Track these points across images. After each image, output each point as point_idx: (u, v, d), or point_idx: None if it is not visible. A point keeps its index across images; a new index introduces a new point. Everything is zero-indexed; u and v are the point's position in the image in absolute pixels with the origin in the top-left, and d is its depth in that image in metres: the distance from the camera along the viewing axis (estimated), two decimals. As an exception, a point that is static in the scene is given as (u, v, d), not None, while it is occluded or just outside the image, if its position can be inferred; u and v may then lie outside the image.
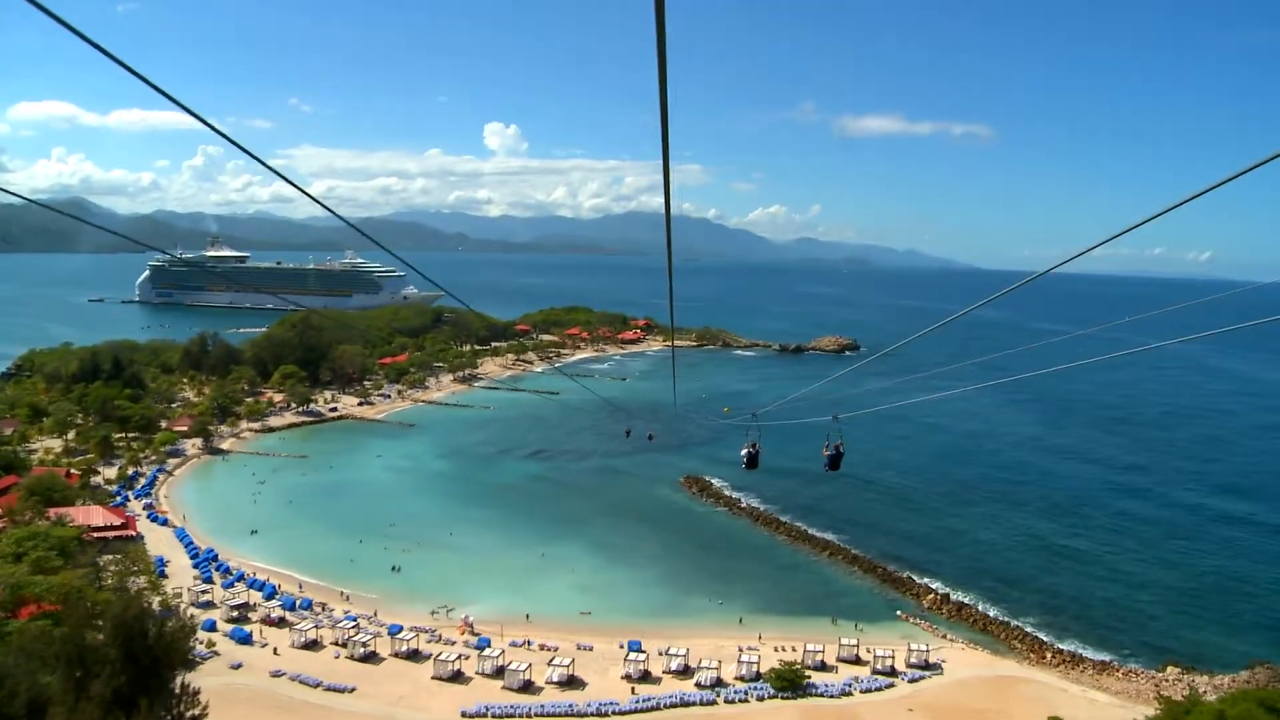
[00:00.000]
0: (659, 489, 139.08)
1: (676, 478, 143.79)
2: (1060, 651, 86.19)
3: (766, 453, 49.50)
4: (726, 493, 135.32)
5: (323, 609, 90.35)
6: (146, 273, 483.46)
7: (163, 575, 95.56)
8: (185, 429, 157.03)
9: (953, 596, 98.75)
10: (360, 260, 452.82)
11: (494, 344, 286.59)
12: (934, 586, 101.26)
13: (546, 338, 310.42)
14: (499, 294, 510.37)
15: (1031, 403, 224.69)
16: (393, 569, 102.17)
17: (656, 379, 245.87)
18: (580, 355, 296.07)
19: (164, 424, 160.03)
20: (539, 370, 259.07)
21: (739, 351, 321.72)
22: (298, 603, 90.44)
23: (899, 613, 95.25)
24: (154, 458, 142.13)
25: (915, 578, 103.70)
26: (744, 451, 45.30)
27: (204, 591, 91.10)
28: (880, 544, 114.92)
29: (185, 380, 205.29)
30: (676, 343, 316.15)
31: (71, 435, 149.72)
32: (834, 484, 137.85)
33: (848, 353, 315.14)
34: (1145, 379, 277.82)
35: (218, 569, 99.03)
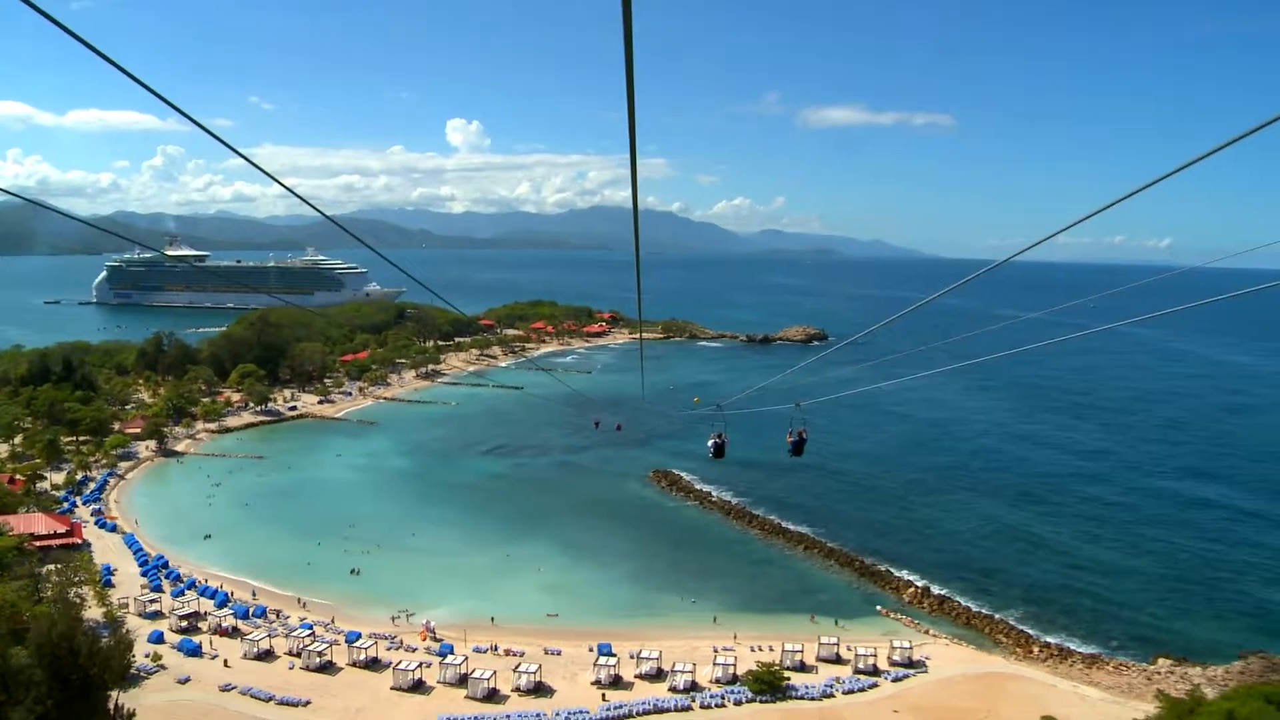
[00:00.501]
0: (627, 484, 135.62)
1: (645, 472, 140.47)
2: (1047, 645, 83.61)
3: (735, 443, 49.26)
4: (697, 486, 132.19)
5: (277, 616, 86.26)
6: (103, 273, 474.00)
7: (109, 585, 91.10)
8: (138, 431, 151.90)
9: (933, 590, 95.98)
10: (322, 257, 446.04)
11: (457, 339, 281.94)
12: (913, 580, 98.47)
13: (511, 332, 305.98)
14: (463, 289, 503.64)
15: (998, 388, 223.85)
16: (352, 572, 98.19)
17: (622, 371, 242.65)
18: (545, 349, 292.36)
19: (116, 426, 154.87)
20: (503, 365, 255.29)
21: (706, 343, 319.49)
22: (251, 611, 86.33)
23: (879, 608, 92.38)
24: (104, 461, 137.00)
25: (894, 571, 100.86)
26: (711, 442, 46.20)
27: (152, 601, 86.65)
28: (856, 536, 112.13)
29: (140, 381, 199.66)
30: (644, 335, 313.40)
31: (18, 440, 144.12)
32: (806, 475, 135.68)
33: (815, 342, 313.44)
34: (1108, 364, 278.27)
35: (168, 576, 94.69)
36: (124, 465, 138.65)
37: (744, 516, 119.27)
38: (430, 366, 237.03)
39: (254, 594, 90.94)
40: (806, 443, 42.52)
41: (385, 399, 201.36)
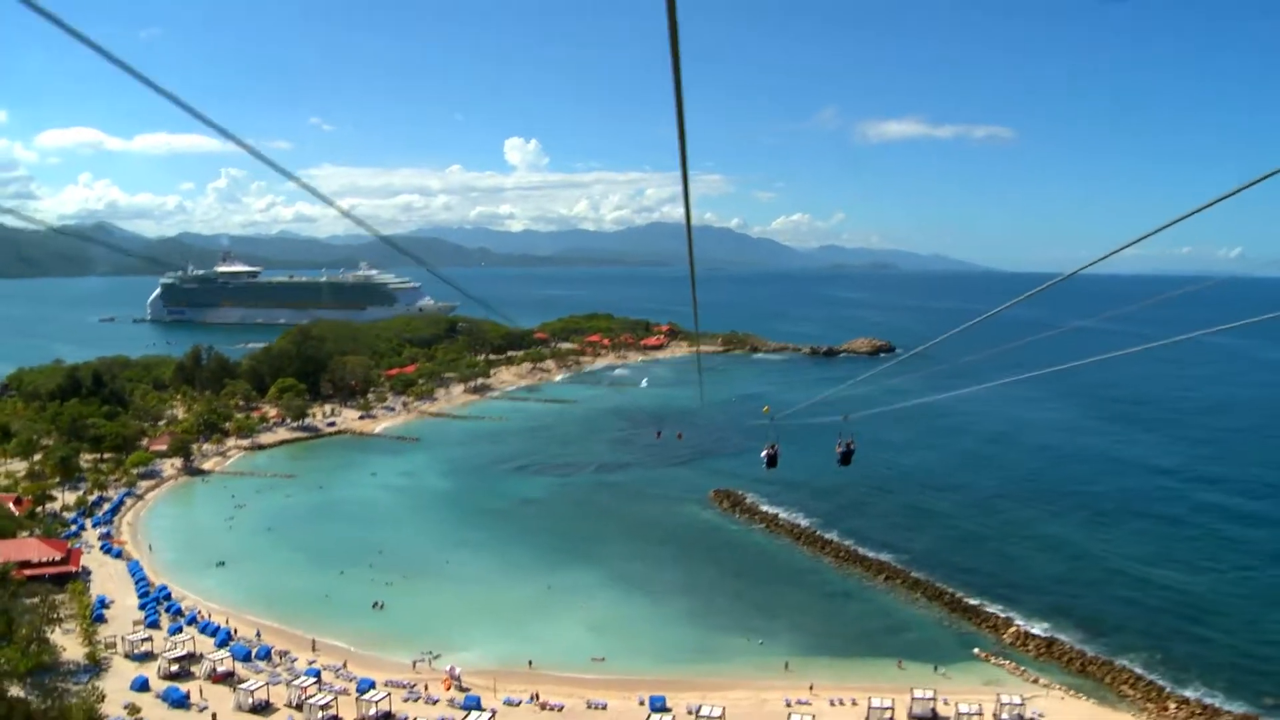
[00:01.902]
0: (685, 506, 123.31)
1: (705, 492, 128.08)
2: (1185, 701, 69.69)
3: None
4: (762, 507, 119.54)
5: (282, 659, 75.29)
6: (157, 291, 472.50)
7: (100, 619, 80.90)
8: (163, 448, 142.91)
9: (1039, 629, 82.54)
10: (374, 272, 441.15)
11: (510, 354, 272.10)
12: (1013, 617, 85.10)
13: (565, 346, 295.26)
14: (520, 305, 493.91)
15: (1073, 400, 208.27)
16: (374, 606, 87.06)
17: (680, 385, 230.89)
18: (601, 362, 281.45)
19: (145, 443, 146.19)
20: (556, 379, 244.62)
21: (767, 355, 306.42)
22: (253, 652, 75.46)
23: (977, 650, 79.23)
24: (123, 481, 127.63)
25: (989, 606, 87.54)
26: (764, 453, 47.04)
27: (145, 639, 76.11)
28: (941, 564, 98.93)
29: (177, 397, 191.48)
30: (702, 348, 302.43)
31: (38, 457, 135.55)
32: (879, 494, 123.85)
33: (882, 354, 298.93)
34: (1191, 375, 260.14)
35: (168, 610, 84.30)
36: (144, 484, 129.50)
37: (816, 542, 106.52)
38: (479, 380, 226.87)
39: (257, 634, 79.81)
40: (854, 453, 43.34)
41: (430, 414, 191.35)
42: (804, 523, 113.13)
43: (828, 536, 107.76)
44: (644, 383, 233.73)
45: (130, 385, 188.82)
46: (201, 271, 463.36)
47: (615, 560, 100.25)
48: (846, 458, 42.81)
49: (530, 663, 75.32)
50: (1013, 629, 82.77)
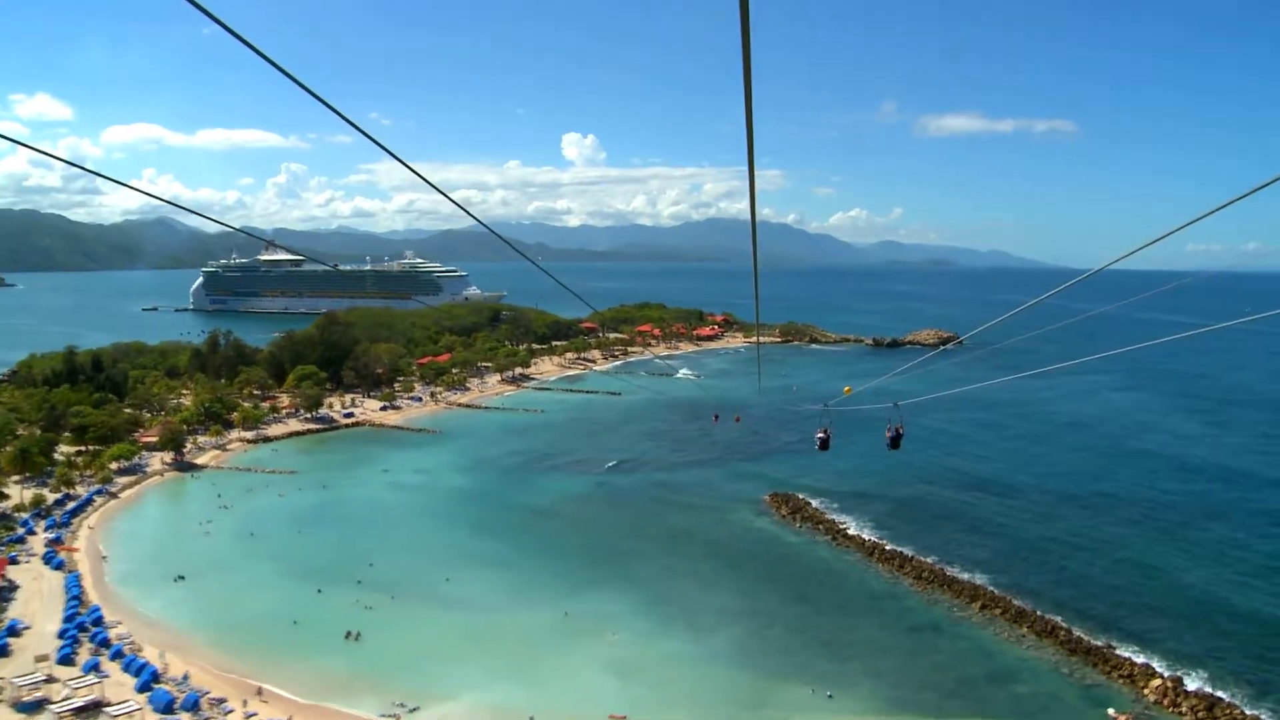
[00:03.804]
0: (738, 511, 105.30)
1: (761, 495, 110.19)
2: None
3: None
4: (828, 515, 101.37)
5: (215, 709, 58.69)
6: (200, 280, 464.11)
7: (1, 652, 65.08)
8: (154, 440, 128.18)
9: (1193, 681, 63.77)
10: (419, 260, 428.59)
11: (554, 343, 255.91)
12: (1154, 665, 66.29)
13: (614, 335, 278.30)
14: (573, 296, 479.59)
15: (1169, 392, 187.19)
16: (347, 636, 70.32)
17: (736, 377, 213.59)
18: (651, 353, 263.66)
19: (138, 435, 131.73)
20: (602, 369, 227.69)
21: (827, 347, 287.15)
22: (177, 702, 58.90)
23: (1112, 712, 60.65)
24: (96, 476, 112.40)
25: (1120, 647, 68.86)
26: (818, 435, 47.48)
27: (42, 682, 60.08)
28: (1050, 589, 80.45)
29: (190, 384, 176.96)
30: (761, 339, 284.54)
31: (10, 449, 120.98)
32: (963, 498, 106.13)
33: (949, 345, 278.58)
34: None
35: (92, 639, 68.03)
36: (123, 481, 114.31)
37: (892, 559, 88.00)
38: (518, 370, 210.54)
39: (185, 675, 63.03)
40: (903, 437, 43.55)
41: (461, 405, 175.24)
42: (877, 535, 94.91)
43: (906, 552, 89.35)
44: (681, 372, 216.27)
45: (141, 372, 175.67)
46: (244, 260, 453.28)
47: (650, 579, 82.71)
48: (896, 442, 43.52)
49: (532, 719, 58.20)
50: (1157, 681, 63.86)
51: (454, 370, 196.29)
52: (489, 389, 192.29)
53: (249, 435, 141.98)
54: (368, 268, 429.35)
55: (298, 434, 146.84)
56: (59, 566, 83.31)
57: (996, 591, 79.04)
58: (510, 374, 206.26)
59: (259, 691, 60.96)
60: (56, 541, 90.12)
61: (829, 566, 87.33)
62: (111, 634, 68.71)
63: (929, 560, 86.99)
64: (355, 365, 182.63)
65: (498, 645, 69.14)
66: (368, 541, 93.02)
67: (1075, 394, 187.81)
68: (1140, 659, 67.03)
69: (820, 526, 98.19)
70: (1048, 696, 62.93)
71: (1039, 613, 74.49)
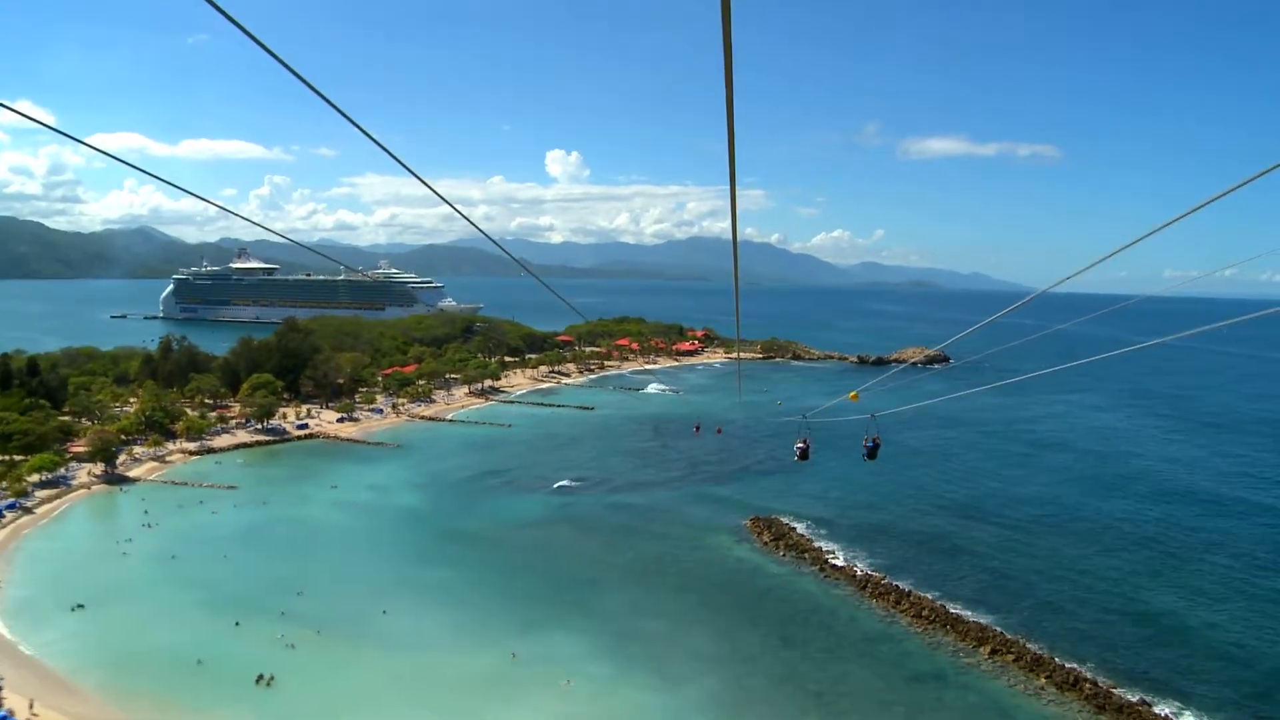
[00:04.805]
0: (715, 537, 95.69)
1: (740, 519, 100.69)
2: None
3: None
4: (814, 543, 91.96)
5: (81, 776, 48.86)
6: (170, 288, 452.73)
7: None
8: (83, 450, 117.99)
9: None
10: (394, 271, 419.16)
11: (528, 356, 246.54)
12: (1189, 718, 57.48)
13: (590, 349, 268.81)
14: (553, 311, 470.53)
15: (1175, 418, 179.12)
16: (258, 680, 60.40)
17: (715, 392, 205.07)
18: (629, 367, 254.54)
19: (70, 444, 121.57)
20: (575, 383, 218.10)
21: (810, 364, 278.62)
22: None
23: (1151, 783, 51.57)
24: (10, 490, 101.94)
25: (1157, 703, 59.73)
26: (797, 446, 47.72)
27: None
28: (1069, 631, 71.30)
29: (139, 391, 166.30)
30: (741, 355, 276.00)
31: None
32: (963, 525, 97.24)
33: (936, 365, 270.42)
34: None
35: (-51, 684, 58.09)
36: (42, 495, 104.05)
37: (887, 594, 78.57)
38: (488, 383, 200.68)
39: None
40: (880, 448, 43.41)
41: (424, 418, 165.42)
42: (868, 566, 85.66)
43: (902, 586, 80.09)
44: (651, 387, 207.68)
45: (88, 379, 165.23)
46: (215, 268, 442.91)
47: (614, 615, 73.05)
48: (873, 453, 43.14)
49: (465, 789, 48.55)
50: (1199, 744, 54.93)
51: (420, 382, 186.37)
52: (455, 402, 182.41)
53: (192, 447, 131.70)
54: (341, 277, 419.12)
55: (245, 446, 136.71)
56: (-63, 593, 73.18)
57: (1007, 634, 69.76)
58: (479, 386, 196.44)
59: (139, 751, 51.07)
60: (-55, 563, 79.91)
61: (817, 602, 77.68)
62: (-25, 677, 58.57)
63: (928, 596, 77.80)
64: (314, 374, 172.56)
65: (432, 693, 59.41)
66: (301, 566, 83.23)
67: (1066, 414, 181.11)
68: (1177, 716, 57.94)
69: (806, 555, 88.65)
70: (1073, 762, 53.73)
71: (1057, 660, 65.36)
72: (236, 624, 69.31)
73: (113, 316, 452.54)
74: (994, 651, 67.16)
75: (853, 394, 43.29)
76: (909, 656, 67.17)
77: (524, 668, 62.95)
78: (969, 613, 74.17)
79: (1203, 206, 13.17)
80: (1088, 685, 61.52)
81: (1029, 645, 67.61)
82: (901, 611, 75.07)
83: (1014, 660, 65.71)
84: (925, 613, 74.23)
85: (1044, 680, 62.72)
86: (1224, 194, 12.51)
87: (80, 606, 72.62)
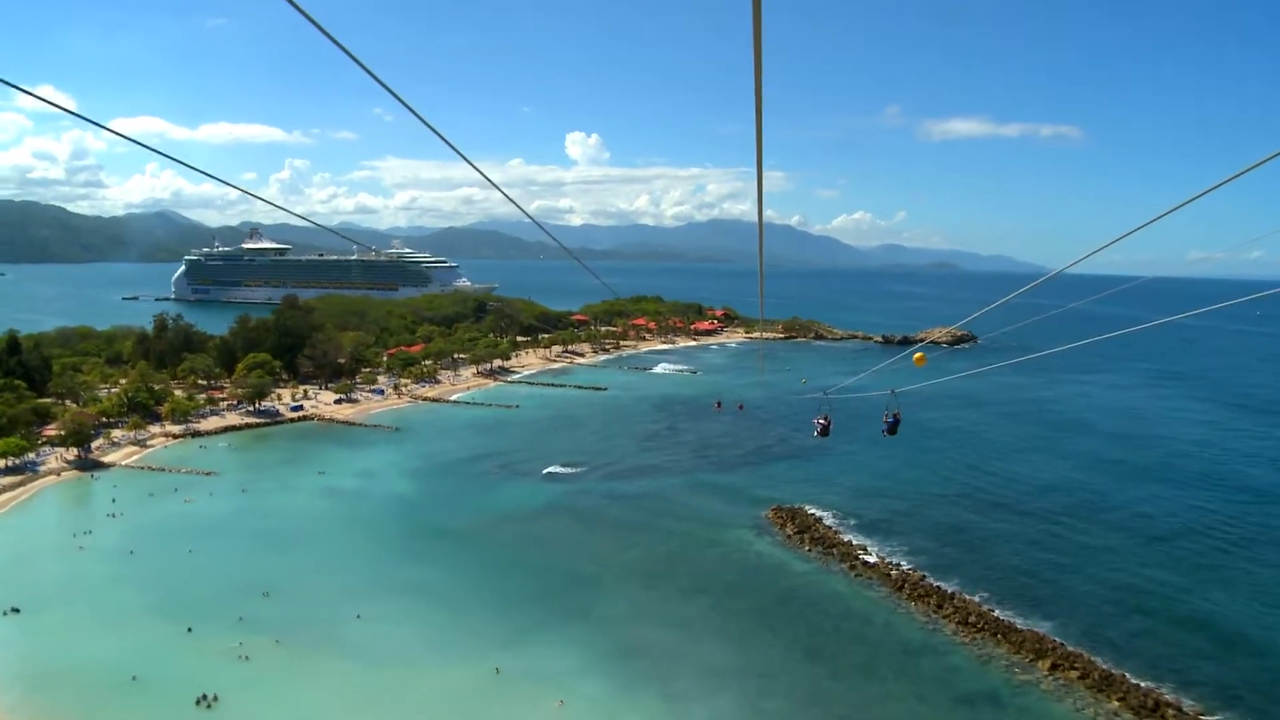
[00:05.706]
0: (732, 530, 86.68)
1: (761, 509, 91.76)
2: None
3: None
4: (842, 536, 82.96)
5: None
6: (182, 269, 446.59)
7: None
8: (55, 433, 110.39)
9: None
10: (407, 250, 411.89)
11: (541, 335, 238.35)
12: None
13: (605, 329, 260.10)
14: (569, 292, 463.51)
15: (1208, 400, 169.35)
16: (199, 701, 51.94)
17: (734, 372, 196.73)
18: (645, 347, 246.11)
19: (46, 427, 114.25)
20: (589, 363, 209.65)
21: (834, 343, 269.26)
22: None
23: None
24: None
25: (1250, 732, 50.75)
26: (818, 421, 47.83)
27: None
28: (1139, 642, 62.14)
29: (130, 372, 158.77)
30: (764, 332, 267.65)
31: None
32: (1005, 514, 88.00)
33: (964, 345, 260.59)
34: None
35: None
36: (6, 481, 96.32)
37: (927, 596, 69.46)
38: (498, 363, 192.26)
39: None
40: (901, 423, 43.51)
41: (427, 399, 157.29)
42: (904, 563, 76.70)
43: (945, 588, 71.04)
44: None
45: (78, 359, 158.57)
46: (227, 248, 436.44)
47: (615, 622, 64.25)
48: (894, 428, 43.12)
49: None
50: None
51: (426, 362, 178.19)
52: (461, 382, 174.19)
53: (176, 430, 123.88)
54: (354, 257, 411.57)
55: (233, 429, 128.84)
56: None
57: (1068, 645, 60.61)
58: (487, 366, 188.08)
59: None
60: (-125, 559, 71.99)
61: (847, 606, 68.59)
62: None
63: (974, 599, 68.69)
64: (312, 354, 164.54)
65: (397, 716, 50.85)
66: (271, 563, 74.95)
67: (1093, 394, 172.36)
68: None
69: (834, 551, 79.59)
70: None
71: (1129, 678, 56.17)
72: (189, 630, 61.11)
73: (125, 298, 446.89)
74: (1054, 667, 57.99)
75: (918, 355, 35.65)
76: (955, 673, 58.04)
77: (510, 685, 54.34)
78: (1020, 619, 65.09)
79: (1224, 183, 12.30)
80: (1170, 711, 52.34)
81: (1095, 659, 58.50)
82: (944, 617, 65.96)
83: (1079, 678, 56.54)
84: (972, 619, 65.04)
85: (1117, 703, 53.52)
86: (1242, 172, 11.78)
87: (15, 610, 64.51)
